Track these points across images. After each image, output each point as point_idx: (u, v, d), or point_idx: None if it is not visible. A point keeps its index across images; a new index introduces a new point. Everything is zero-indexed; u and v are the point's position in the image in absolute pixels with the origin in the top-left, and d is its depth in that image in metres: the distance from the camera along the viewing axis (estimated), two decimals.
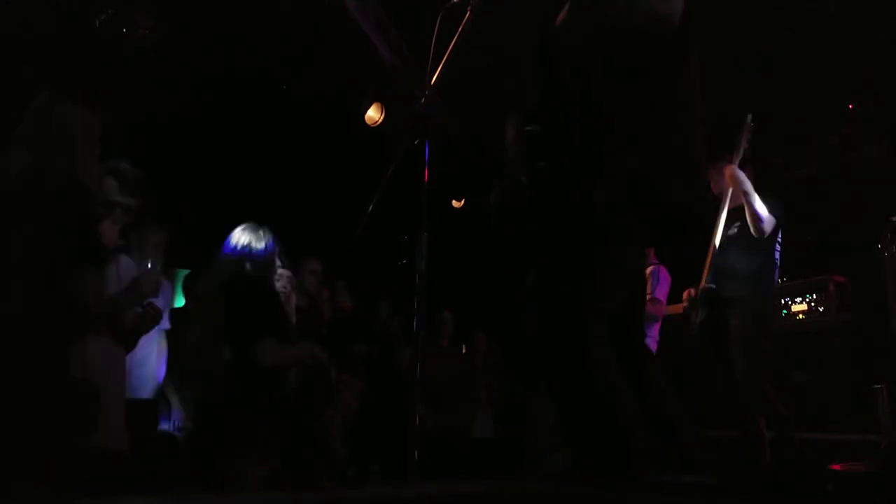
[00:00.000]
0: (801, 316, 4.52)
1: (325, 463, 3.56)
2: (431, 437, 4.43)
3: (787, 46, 4.46)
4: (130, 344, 2.81)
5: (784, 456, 3.11)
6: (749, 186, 3.25)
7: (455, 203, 6.53)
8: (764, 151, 3.71)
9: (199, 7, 4.26)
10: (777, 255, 3.36)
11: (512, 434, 5.36)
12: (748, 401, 3.19)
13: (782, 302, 4.53)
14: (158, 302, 2.87)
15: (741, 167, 3.36)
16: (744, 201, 3.27)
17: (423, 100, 2.08)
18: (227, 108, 4.73)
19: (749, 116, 3.38)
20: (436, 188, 2.03)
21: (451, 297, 5.34)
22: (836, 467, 3.24)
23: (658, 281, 4.19)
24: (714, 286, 3.36)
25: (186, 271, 4.35)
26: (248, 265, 2.83)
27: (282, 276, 3.27)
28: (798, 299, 4.54)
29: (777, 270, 3.37)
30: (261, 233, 2.93)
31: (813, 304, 4.50)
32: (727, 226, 3.40)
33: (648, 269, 4.19)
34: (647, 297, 4.03)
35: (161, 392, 3.54)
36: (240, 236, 2.90)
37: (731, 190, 3.34)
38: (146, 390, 3.45)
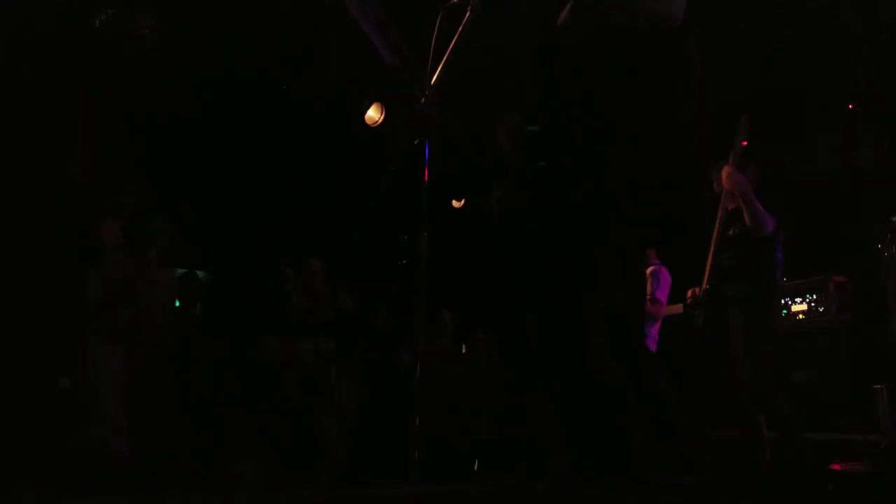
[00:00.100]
0: (801, 316, 4.52)
1: (324, 463, 3.57)
2: (431, 437, 4.43)
3: (787, 46, 4.46)
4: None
5: (786, 456, 3.10)
6: (745, 188, 3.24)
7: (455, 203, 6.53)
8: (764, 152, 3.70)
9: (199, 7, 4.26)
10: (779, 255, 3.35)
11: (512, 434, 5.36)
12: (751, 401, 3.19)
13: (782, 302, 4.53)
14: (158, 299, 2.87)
15: (743, 168, 3.35)
16: (741, 203, 3.26)
17: (423, 100, 2.08)
18: (227, 108, 4.73)
19: (744, 117, 3.38)
20: (436, 188, 2.03)
21: (451, 297, 5.34)
22: (836, 467, 3.24)
23: (658, 281, 4.19)
24: (715, 286, 3.35)
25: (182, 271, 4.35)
26: None
27: (287, 276, 3.28)
28: (798, 299, 4.54)
29: (779, 270, 3.35)
30: None
31: (813, 304, 4.50)
32: (729, 226, 3.39)
33: (649, 270, 4.19)
34: (647, 297, 4.04)
35: None
36: None
37: (728, 191, 3.34)
38: None
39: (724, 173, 3.31)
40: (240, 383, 2.74)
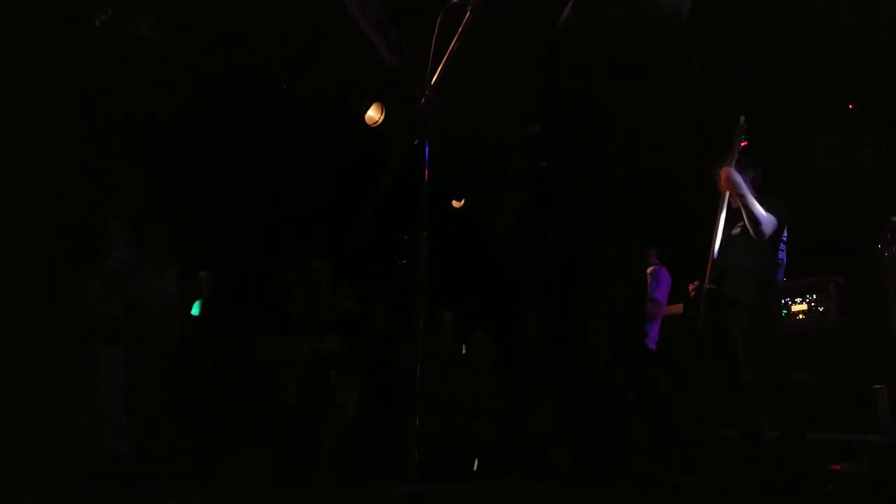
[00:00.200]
0: (801, 316, 4.53)
1: (324, 463, 3.57)
2: (431, 437, 4.43)
3: (787, 46, 4.46)
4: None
5: (786, 456, 3.10)
6: (743, 188, 3.23)
7: (455, 203, 6.53)
8: (763, 153, 3.70)
9: (199, 7, 4.26)
10: (782, 256, 3.33)
11: (512, 434, 5.36)
12: (751, 401, 3.18)
13: (782, 302, 4.53)
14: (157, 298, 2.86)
15: (744, 168, 3.35)
16: (739, 203, 3.26)
17: (423, 100, 2.08)
18: (227, 108, 4.73)
19: (742, 118, 3.38)
20: (436, 188, 2.03)
21: (451, 297, 5.34)
22: (836, 467, 3.24)
23: (658, 281, 4.19)
24: (716, 286, 3.35)
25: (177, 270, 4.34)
26: None
27: (287, 276, 3.27)
28: (798, 299, 4.54)
29: (781, 270, 3.34)
30: None
31: (813, 304, 4.50)
32: (731, 225, 3.39)
33: (649, 270, 4.19)
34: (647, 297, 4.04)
35: None
36: None
37: (727, 191, 3.34)
38: None
39: (721, 174, 3.32)
40: (240, 383, 2.74)
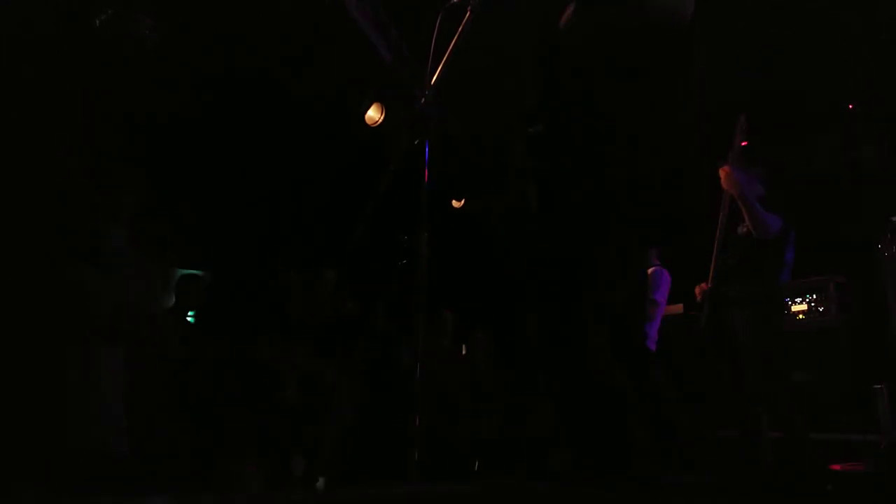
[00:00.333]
0: (801, 316, 4.53)
1: (323, 463, 3.56)
2: (431, 437, 4.43)
3: (788, 46, 4.46)
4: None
5: (787, 456, 3.08)
6: (743, 189, 3.20)
7: (455, 203, 6.53)
8: (764, 152, 3.69)
9: (199, 7, 4.26)
10: (789, 256, 3.26)
11: (512, 434, 5.36)
12: (752, 401, 3.17)
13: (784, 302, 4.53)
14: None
15: (751, 165, 3.32)
16: (740, 204, 3.23)
17: (423, 100, 2.08)
18: (227, 108, 4.73)
19: (742, 117, 3.36)
20: (436, 188, 2.03)
21: (451, 297, 5.34)
22: (836, 467, 3.24)
23: (658, 282, 4.19)
24: (719, 285, 3.33)
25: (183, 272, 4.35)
26: None
27: (288, 278, 3.26)
28: (798, 299, 4.54)
29: (787, 271, 3.28)
30: None
31: (813, 304, 4.50)
32: (737, 225, 3.35)
33: (650, 271, 4.19)
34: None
35: None
36: None
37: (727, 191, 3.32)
38: None
39: (721, 174, 3.28)
40: (240, 383, 2.74)
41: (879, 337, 4.22)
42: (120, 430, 2.55)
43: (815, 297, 4.50)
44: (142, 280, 2.67)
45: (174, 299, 4.06)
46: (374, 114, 5.28)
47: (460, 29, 2.05)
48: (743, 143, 3.34)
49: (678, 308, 4.74)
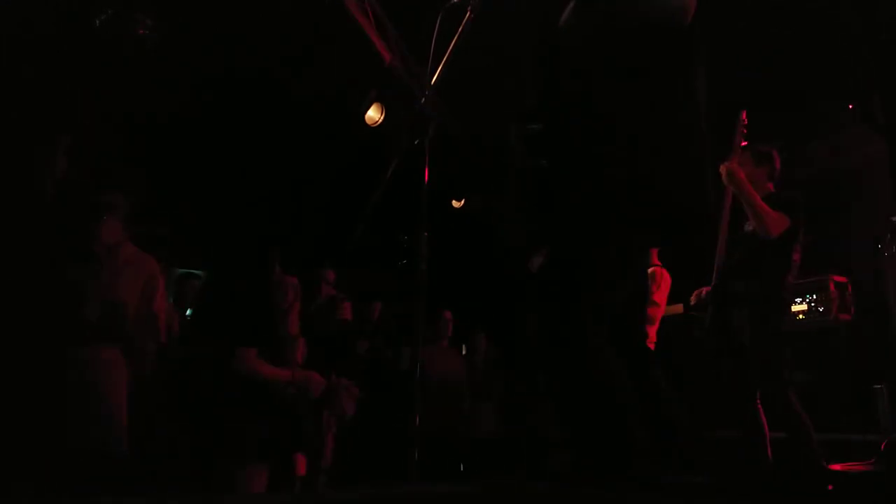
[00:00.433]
0: (801, 316, 4.52)
1: (322, 464, 3.56)
2: (431, 437, 4.43)
3: (787, 46, 4.46)
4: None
5: (794, 456, 3.05)
6: (744, 186, 3.14)
7: (455, 203, 6.53)
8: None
9: (199, 7, 4.26)
10: (795, 256, 3.18)
11: (512, 434, 5.36)
12: (759, 401, 3.15)
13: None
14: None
15: (758, 165, 3.29)
16: (743, 202, 3.19)
17: (423, 100, 2.08)
18: (227, 108, 4.73)
19: (742, 113, 3.32)
20: (436, 188, 2.03)
21: (451, 297, 5.34)
22: (836, 467, 3.23)
23: (657, 283, 4.18)
24: (721, 284, 3.30)
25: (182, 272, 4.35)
26: None
27: (286, 286, 3.24)
28: (798, 299, 4.54)
29: (790, 272, 3.18)
30: None
31: (813, 304, 4.50)
32: (743, 223, 3.31)
33: (650, 271, 4.19)
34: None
35: None
36: None
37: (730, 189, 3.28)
38: None
39: (722, 170, 3.22)
40: (240, 383, 2.74)
41: (879, 337, 4.22)
42: (120, 430, 2.55)
43: (815, 297, 4.50)
44: (142, 280, 2.67)
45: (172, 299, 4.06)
46: (374, 114, 5.29)
47: (460, 29, 2.05)
48: (743, 144, 3.32)
49: (678, 308, 4.73)
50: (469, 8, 2.04)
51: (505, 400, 5.64)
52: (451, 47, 2.04)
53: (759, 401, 3.18)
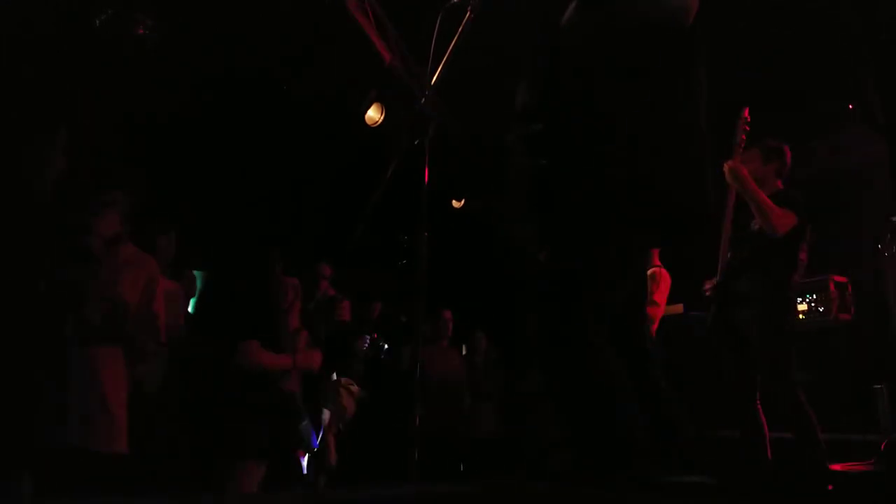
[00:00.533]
0: (801, 316, 4.52)
1: (322, 464, 3.56)
2: (431, 437, 4.43)
3: (787, 46, 4.46)
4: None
5: (791, 456, 3.04)
6: (748, 184, 3.11)
7: (455, 203, 6.53)
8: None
9: (199, 7, 4.26)
10: (802, 256, 3.14)
11: (512, 434, 5.36)
12: (765, 401, 3.13)
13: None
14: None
15: (767, 162, 3.27)
16: (747, 199, 3.16)
17: (423, 100, 2.08)
18: (227, 108, 4.73)
19: (745, 110, 3.29)
20: (436, 188, 2.03)
21: (451, 297, 5.34)
22: (836, 467, 3.23)
23: (657, 283, 4.18)
24: (725, 282, 3.28)
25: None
26: None
27: (286, 286, 3.24)
28: (798, 299, 4.54)
29: (797, 271, 3.14)
30: None
31: (813, 304, 4.50)
32: (750, 221, 3.29)
33: (650, 271, 4.18)
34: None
35: None
36: None
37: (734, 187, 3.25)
38: None
39: (725, 168, 3.19)
40: (240, 383, 2.74)
41: (879, 337, 4.22)
42: (120, 429, 2.55)
43: (815, 297, 4.49)
44: (142, 280, 2.67)
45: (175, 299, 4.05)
46: (374, 114, 5.29)
47: (460, 29, 2.05)
48: (742, 138, 3.28)
49: (678, 308, 4.73)
50: (469, 8, 2.04)
51: (505, 400, 5.64)
52: (451, 47, 2.04)
53: (758, 401, 3.18)
